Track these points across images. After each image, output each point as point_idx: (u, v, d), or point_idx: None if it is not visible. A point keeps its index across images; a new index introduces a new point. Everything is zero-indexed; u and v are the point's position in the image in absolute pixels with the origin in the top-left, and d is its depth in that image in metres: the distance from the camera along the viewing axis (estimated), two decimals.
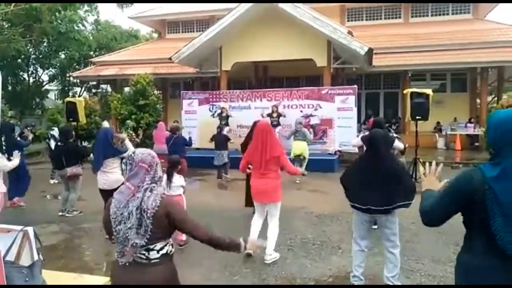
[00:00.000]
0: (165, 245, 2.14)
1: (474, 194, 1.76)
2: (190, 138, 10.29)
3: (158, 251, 2.10)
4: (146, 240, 2.04)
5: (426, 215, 1.93)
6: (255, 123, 5.50)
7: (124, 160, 5.40)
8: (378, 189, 3.47)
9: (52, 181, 9.69)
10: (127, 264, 2.08)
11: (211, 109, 13.37)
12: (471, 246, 1.86)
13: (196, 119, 13.46)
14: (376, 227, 3.97)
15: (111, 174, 5.62)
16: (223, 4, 18.36)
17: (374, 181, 3.51)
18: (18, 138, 8.44)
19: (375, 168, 3.56)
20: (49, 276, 2.54)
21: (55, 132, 9.43)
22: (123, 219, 2.06)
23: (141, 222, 2.03)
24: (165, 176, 4.66)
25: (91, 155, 6.71)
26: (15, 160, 5.73)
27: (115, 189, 2.30)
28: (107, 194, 5.42)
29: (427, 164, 2.23)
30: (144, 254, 2.07)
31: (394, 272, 3.75)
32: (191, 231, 2.18)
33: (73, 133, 7.53)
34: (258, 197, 4.75)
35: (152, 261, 2.09)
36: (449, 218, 1.90)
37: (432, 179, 2.10)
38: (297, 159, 9.47)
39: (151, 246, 2.07)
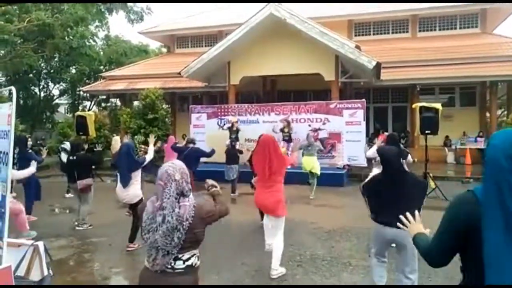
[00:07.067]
0: (192, 256, 2.17)
1: (474, 222, 1.57)
2: (213, 150, 9.22)
3: (184, 262, 2.13)
4: (177, 250, 2.08)
5: (429, 259, 1.81)
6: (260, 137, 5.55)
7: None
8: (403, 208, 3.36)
9: (67, 195, 9.47)
10: (158, 272, 2.10)
11: (219, 123, 13.44)
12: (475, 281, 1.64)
13: (204, 133, 13.53)
14: (394, 245, 3.71)
15: (131, 188, 5.58)
16: (232, 18, 18.61)
17: (398, 201, 3.33)
18: (30, 151, 8.50)
19: (395, 192, 3.43)
20: None
21: (67, 145, 9.27)
22: (151, 229, 2.11)
23: (171, 234, 2.05)
24: None
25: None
26: (31, 168, 5.92)
27: (136, 203, 2.34)
28: (130, 205, 5.78)
29: (407, 215, 2.15)
30: (170, 263, 2.10)
31: None
32: (221, 216, 2.42)
33: (84, 146, 7.58)
34: (262, 210, 4.96)
35: (176, 270, 2.11)
36: (454, 255, 1.72)
37: (416, 225, 2.07)
38: (311, 175, 9.43)
39: (179, 255, 2.11)
